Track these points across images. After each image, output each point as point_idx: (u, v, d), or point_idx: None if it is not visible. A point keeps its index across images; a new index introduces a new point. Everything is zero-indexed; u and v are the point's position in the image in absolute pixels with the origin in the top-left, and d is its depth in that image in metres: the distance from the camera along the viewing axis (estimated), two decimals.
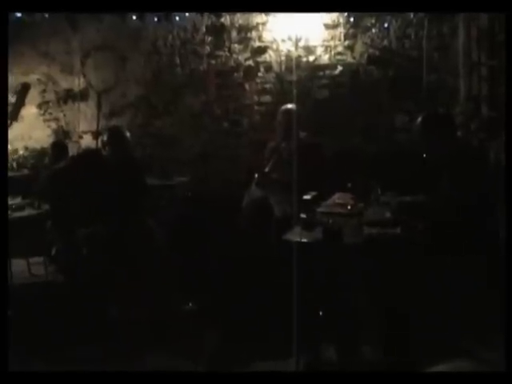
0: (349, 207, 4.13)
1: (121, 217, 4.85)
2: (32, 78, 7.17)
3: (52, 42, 7.08)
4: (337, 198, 4.45)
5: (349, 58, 6.54)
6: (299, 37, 6.52)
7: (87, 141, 7.10)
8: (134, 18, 6.60)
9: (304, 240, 3.58)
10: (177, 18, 6.74)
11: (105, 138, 5.55)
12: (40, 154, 7.00)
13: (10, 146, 6.52)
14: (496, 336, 2.78)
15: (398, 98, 6.40)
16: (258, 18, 6.66)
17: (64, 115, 7.21)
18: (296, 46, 6.55)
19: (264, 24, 6.66)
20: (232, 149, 6.80)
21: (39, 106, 7.22)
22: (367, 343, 3.71)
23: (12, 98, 6.96)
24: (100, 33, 6.97)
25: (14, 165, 6.87)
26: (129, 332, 4.24)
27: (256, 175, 5.24)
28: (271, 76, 6.73)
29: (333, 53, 6.56)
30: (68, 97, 7.19)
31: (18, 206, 5.39)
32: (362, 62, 6.52)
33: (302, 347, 3.56)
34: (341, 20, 6.49)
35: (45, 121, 7.22)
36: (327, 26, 6.52)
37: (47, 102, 7.22)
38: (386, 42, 6.46)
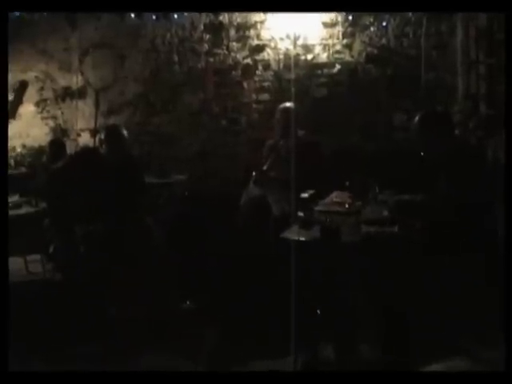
0: (347, 206, 4.13)
1: (119, 215, 4.85)
2: (30, 75, 7.16)
3: (50, 39, 7.07)
4: (335, 196, 4.45)
5: (347, 57, 6.54)
6: (297, 35, 6.52)
7: (85, 139, 7.08)
8: (133, 16, 6.60)
9: (302, 238, 3.57)
10: (175, 16, 6.74)
11: (103, 136, 5.55)
12: (38, 152, 7.00)
13: None
14: (494, 335, 2.78)
15: (397, 97, 6.40)
16: (257, 16, 6.66)
17: (62, 113, 7.20)
18: (294, 45, 6.55)
19: (262, 22, 6.66)
20: (230, 147, 6.80)
21: (37, 104, 7.21)
22: (365, 342, 3.71)
23: (10, 96, 6.95)
24: (98, 31, 6.96)
25: (12, 163, 6.86)
26: (127, 330, 4.24)
27: (254, 173, 5.24)
28: (269, 74, 6.72)
29: (331, 51, 6.55)
30: (66, 95, 7.18)
31: (16, 204, 5.38)
32: (360, 61, 6.52)
33: (300, 345, 3.56)
34: (339, 18, 6.48)
35: (42, 119, 7.22)
36: (325, 25, 6.52)
37: (45, 100, 7.21)
38: (384, 41, 6.46)
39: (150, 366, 3.76)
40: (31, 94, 7.20)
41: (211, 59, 6.84)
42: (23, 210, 5.36)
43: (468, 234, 3.33)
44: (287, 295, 3.36)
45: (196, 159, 6.80)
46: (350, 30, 6.50)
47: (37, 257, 5.60)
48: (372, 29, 6.46)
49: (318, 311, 3.73)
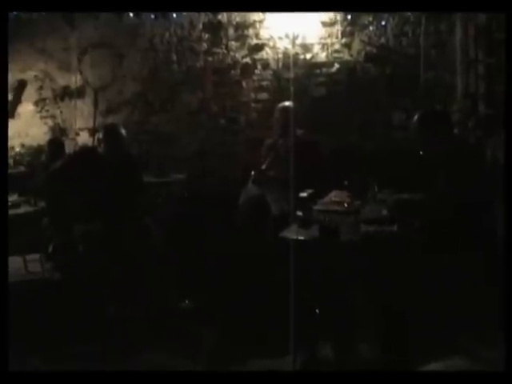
0: (345, 205, 4.14)
1: (117, 214, 4.84)
2: (29, 74, 7.14)
3: (49, 39, 7.05)
4: (333, 195, 4.45)
5: (346, 56, 6.53)
6: (296, 34, 6.51)
7: (84, 138, 7.07)
8: (131, 15, 6.59)
9: (301, 238, 3.57)
10: (174, 15, 6.73)
11: (101, 135, 5.54)
12: (36, 151, 6.98)
13: None
14: (493, 334, 2.79)
15: (395, 96, 6.39)
16: (255, 15, 6.65)
17: (61, 112, 7.18)
18: (293, 44, 6.55)
19: (261, 21, 6.65)
20: (229, 146, 6.79)
21: (36, 103, 7.19)
22: (364, 341, 3.71)
23: (9, 96, 6.94)
24: (97, 30, 6.95)
25: (11, 162, 6.85)
26: (125, 329, 4.24)
27: (253, 172, 5.24)
28: (268, 73, 6.72)
29: (330, 50, 6.55)
30: (65, 94, 7.16)
31: (15, 204, 5.37)
32: (359, 60, 6.51)
33: (299, 345, 3.56)
34: (338, 18, 6.47)
35: (41, 118, 7.20)
36: (324, 24, 6.51)
37: (44, 99, 7.19)
38: (383, 40, 6.46)
39: (149, 365, 3.76)
40: (30, 93, 7.19)
41: (210, 58, 6.83)
42: (22, 210, 5.35)
43: (467, 233, 3.33)
44: (286, 294, 3.36)
45: (195, 158, 6.79)
46: (348, 29, 6.49)
47: (36, 256, 5.58)
48: (371, 28, 6.46)
49: (317, 310, 3.73)
